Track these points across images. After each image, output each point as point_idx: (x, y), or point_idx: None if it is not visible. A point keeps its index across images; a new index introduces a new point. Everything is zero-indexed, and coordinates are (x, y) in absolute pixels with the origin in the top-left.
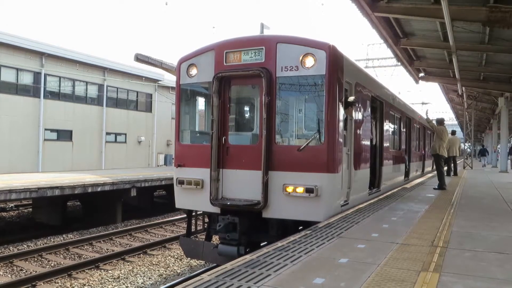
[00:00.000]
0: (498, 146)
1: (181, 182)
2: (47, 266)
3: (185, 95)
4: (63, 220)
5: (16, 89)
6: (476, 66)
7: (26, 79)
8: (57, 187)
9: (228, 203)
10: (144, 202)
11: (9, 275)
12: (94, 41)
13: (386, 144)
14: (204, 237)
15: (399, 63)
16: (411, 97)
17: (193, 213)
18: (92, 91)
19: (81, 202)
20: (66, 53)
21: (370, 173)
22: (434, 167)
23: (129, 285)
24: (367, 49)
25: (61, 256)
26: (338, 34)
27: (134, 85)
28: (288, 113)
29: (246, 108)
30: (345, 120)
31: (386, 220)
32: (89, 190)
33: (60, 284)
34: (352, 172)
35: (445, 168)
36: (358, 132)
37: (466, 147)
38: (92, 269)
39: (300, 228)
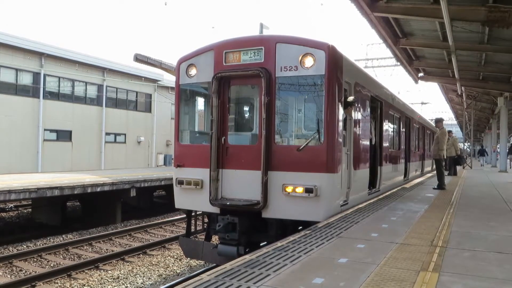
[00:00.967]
0: (498, 146)
1: (180, 182)
2: (47, 267)
3: (184, 95)
4: (63, 221)
5: (15, 89)
6: (476, 66)
7: (26, 79)
8: (56, 188)
9: (228, 203)
10: (144, 202)
11: (9, 276)
12: (94, 41)
13: (385, 144)
14: (203, 237)
15: (399, 63)
16: (411, 97)
17: (193, 213)
18: (92, 91)
19: (81, 202)
20: (66, 53)
21: (369, 173)
22: (434, 167)
23: (128, 285)
24: (367, 49)
25: (61, 256)
26: (337, 34)
27: (133, 85)
28: (287, 113)
29: (246, 108)
30: (345, 120)
31: (385, 220)
32: (89, 190)
33: (59, 284)
34: (352, 172)
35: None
36: (358, 132)
37: (465, 147)
38: (92, 270)
39: (299, 228)
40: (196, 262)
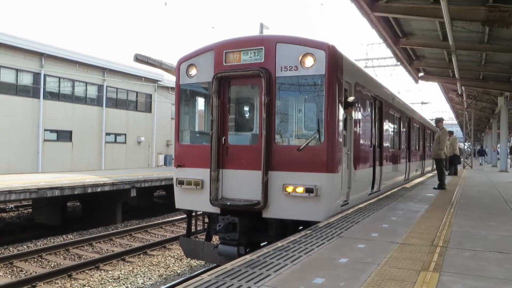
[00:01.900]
0: (498, 146)
1: (181, 183)
2: (47, 267)
3: (184, 95)
4: (63, 221)
5: (15, 89)
6: (476, 66)
7: (26, 79)
8: (57, 188)
9: (228, 203)
10: (144, 202)
11: (9, 276)
12: (94, 41)
13: (386, 144)
14: (204, 237)
15: (399, 63)
16: (411, 96)
17: (193, 213)
18: (92, 92)
19: (81, 202)
20: (66, 53)
21: (370, 173)
22: (435, 166)
23: (129, 285)
24: (367, 49)
25: (61, 256)
26: (337, 34)
27: (133, 85)
28: (287, 113)
29: (246, 108)
30: (345, 120)
31: (386, 220)
32: (89, 190)
33: (60, 284)
34: (352, 172)
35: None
36: (358, 132)
37: (466, 147)
38: (92, 270)
39: (300, 228)
40: (197, 262)
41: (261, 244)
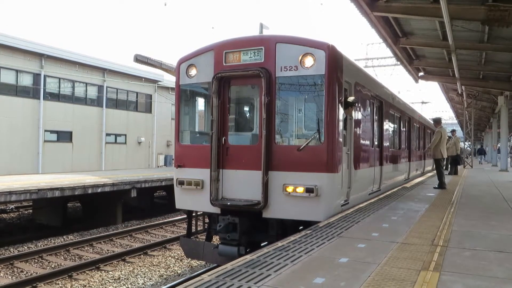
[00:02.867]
0: (498, 145)
1: (181, 183)
2: (48, 267)
3: (184, 96)
4: (64, 221)
5: (15, 90)
6: (476, 65)
7: (26, 80)
8: (57, 188)
9: (228, 203)
10: (144, 202)
11: (10, 277)
12: (94, 42)
13: (386, 144)
14: (204, 237)
15: (399, 63)
16: (411, 96)
17: (193, 214)
18: (92, 92)
19: (81, 203)
20: (66, 54)
21: (370, 173)
22: (434, 166)
23: (129, 286)
24: (367, 48)
25: (62, 257)
26: (337, 34)
27: (133, 86)
28: (287, 113)
29: (246, 108)
30: (345, 120)
31: (386, 220)
32: (89, 191)
33: (60, 285)
34: (352, 172)
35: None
36: (358, 132)
37: (466, 146)
38: (93, 270)
39: (300, 228)
40: (197, 262)
41: (262, 244)
